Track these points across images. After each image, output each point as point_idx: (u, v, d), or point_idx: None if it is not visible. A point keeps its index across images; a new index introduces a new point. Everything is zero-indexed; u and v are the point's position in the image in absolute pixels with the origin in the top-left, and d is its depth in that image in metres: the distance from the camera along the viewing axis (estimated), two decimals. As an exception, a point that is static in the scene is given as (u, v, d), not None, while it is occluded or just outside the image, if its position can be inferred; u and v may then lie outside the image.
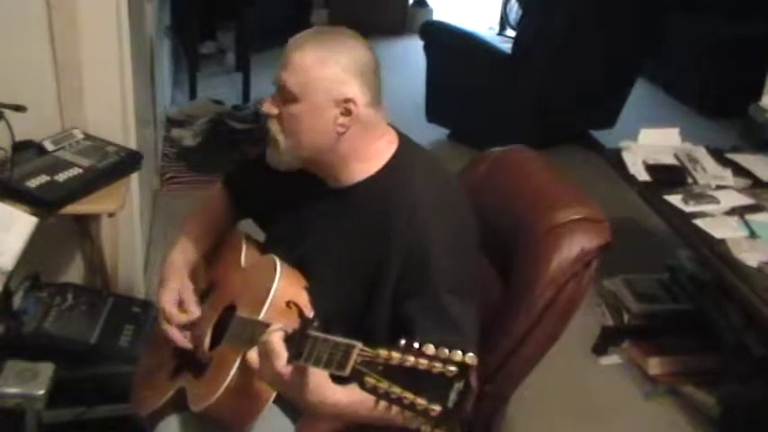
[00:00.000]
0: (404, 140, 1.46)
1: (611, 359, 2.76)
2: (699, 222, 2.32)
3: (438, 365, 0.92)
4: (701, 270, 2.81)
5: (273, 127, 1.39)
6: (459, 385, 0.91)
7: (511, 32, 6.42)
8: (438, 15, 6.56)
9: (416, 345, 0.95)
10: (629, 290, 2.84)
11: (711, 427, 2.47)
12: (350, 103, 1.33)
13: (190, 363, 1.49)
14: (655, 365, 2.65)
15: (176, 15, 4.65)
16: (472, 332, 1.32)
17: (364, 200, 1.40)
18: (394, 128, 1.47)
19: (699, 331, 2.73)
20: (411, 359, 0.93)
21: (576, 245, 1.42)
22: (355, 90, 1.33)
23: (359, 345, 1.02)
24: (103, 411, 2.04)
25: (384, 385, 0.95)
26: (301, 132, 1.36)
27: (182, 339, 1.51)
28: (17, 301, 2.06)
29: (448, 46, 4.31)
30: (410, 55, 5.55)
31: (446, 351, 0.93)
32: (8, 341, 1.96)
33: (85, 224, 2.25)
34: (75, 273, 2.47)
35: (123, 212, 2.23)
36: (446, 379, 0.91)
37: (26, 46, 2.14)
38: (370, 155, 1.41)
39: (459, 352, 0.92)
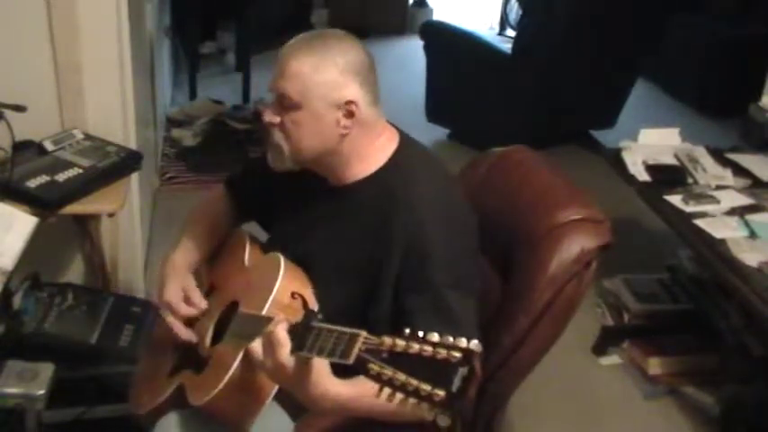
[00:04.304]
0: (404, 138, 1.47)
1: (611, 359, 2.76)
2: (699, 222, 2.31)
3: (442, 352, 0.92)
4: (700, 270, 2.81)
5: (276, 135, 1.39)
6: (463, 371, 0.91)
7: (511, 32, 6.42)
8: (438, 15, 6.56)
9: (421, 333, 0.96)
10: (629, 290, 2.84)
11: (711, 427, 2.47)
12: (352, 104, 1.34)
13: (190, 360, 1.49)
14: (655, 365, 2.65)
15: (176, 15, 4.64)
16: (472, 328, 1.33)
17: (365, 198, 1.41)
18: (393, 125, 1.48)
19: (699, 331, 2.73)
20: (416, 346, 0.94)
21: (575, 245, 1.43)
22: (355, 91, 1.35)
23: (363, 333, 1.03)
24: (103, 411, 2.04)
25: (388, 372, 0.95)
26: (305, 138, 1.37)
27: (186, 332, 1.50)
28: (17, 301, 2.05)
29: (448, 46, 4.31)
30: (410, 55, 5.55)
31: (450, 338, 0.94)
32: (8, 341, 1.96)
33: (85, 224, 2.25)
34: (75, 273, 2.47)
35: (123, 212, 2.24)
36: (450, 365, 0.92)
37: (26, 46, 2.14)
38: (370, 154, 1.42)
39: (464, 339, 0.93)
